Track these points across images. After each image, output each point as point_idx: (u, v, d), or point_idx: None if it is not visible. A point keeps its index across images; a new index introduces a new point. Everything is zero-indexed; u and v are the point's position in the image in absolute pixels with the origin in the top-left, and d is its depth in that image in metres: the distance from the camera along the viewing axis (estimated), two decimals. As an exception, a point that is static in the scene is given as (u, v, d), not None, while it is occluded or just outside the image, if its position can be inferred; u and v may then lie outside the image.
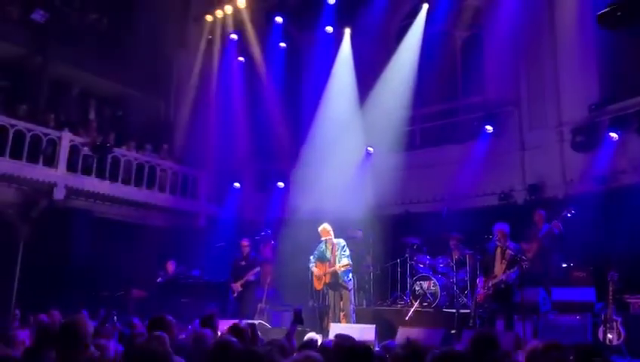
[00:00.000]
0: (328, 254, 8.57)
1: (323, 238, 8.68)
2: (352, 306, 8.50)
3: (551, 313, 7.74)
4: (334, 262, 8.46)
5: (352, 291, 8.69)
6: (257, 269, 9.83)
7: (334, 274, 8.43)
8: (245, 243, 10.08)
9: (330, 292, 8.60)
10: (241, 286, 9.71)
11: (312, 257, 8.79)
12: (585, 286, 8.01)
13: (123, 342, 5.24)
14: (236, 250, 10.22)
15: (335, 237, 8.77)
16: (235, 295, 9.79)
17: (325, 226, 8.71)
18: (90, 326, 3.73)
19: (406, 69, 12.28)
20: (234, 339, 3.68)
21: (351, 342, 3.85)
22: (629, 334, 6.88)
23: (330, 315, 8.51)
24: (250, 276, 9.73)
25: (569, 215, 8.48)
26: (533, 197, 10.70)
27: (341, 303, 8.47)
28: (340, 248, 8.57)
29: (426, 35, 12.28)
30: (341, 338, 4.38)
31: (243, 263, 9.92)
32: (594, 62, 10.53)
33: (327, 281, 8.52)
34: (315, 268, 8.66)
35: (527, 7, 10.92)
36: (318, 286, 8.71)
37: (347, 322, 8.19)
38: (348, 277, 8.54)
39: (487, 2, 12.02)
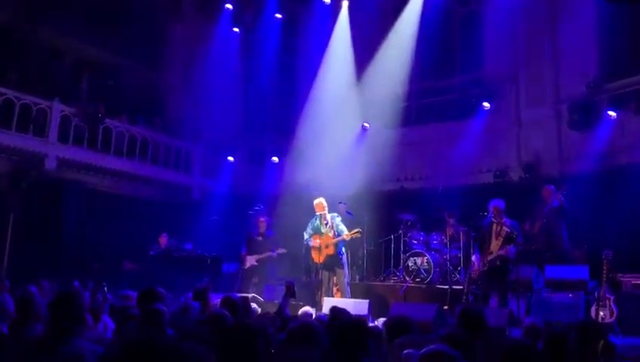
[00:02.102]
0: (323, 228, 8.50)
1: (317, 213, 8.61)
2: (346, 280, 8.48)
3: (544, 290, 7.75)
4: (335, 233, 8.38)
5: (346, 265, 8.65)
6: (284, 250, 9.75)
7: (334, 246, 8.34)
8: (262, 219, 10.00)
9: (330, 262, 8.49)
10: (257, 261, 9.69)
11: (305, 233, 8.71)
12: (579, 265, 8.03)
13: (114, 315, 5.17)
14: (236, 224, 10.13)
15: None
16: (246, 267, 9.75)
17: (321, 200, 8.63)
18: (86, 298, 3.66)
19: (404, 44, 12.10)
20: (226, 312, 3.63)
21: (347, 315, 3.81)
22: (621, 312, 6.90)
23: (324, 288, 8.47)
24: (274, 253, 9.68)
25: (564, 192, 8.45)
26: (528, 175, 10.66)
27: (334, 278, 8.43)
28: (335, 220, 8.51)
29: (425, 9, 12.06)
30: (336, 311, 4.34)
31: (260, 239, 9.89)
32: (593, 39, 10.42)
33: (330, 253, 8.42)
34: (313, 241, 8.58)
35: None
36: (317, 258, 8.62)
37: (342, 296, 8.16)
38: (341, 250, 8.49)
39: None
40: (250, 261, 9.76)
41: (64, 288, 7.20)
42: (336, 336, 3.06)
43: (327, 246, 8.44)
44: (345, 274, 8.47)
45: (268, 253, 9.69)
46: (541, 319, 6.47)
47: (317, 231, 8.57)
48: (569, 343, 3.45)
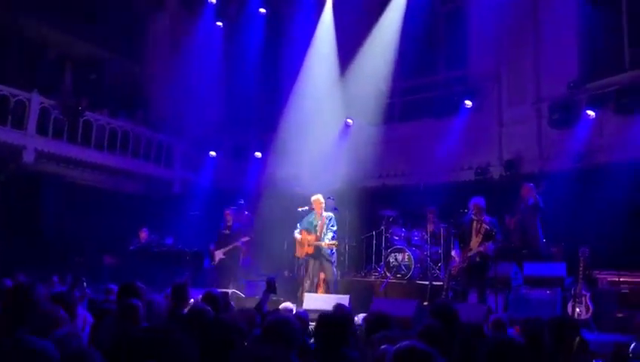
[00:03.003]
0: (316, 226, 8.50)
1: (314, 209, 8.58)
2: (334, 278, 8.49)
3: (522, 287, 7.85)
4: (320, 236, 8.38)
5: (334, 264, 8.65)
6: (247, 238, 9.76)
7: (318, 247, 8.37)
8: (228, 212, 10.01)
9: (311, 260, 8.49)
10: (224, 254, 9.68)
11: (298, 225, 8.71)
12: (556, 262, 8.14)
13: (93, 310, 5.13)
14: (218, 220, 10.16)
15: (307, 206, 8.71)
16: (216, 262, 9.76)
17: (319, 197, 8.60)
18: (41, 290, 3.59)
19: (388, 40, 12.10)
20: (207, 307, 3.61)
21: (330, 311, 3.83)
22: (597, 308, 7.03)
23: (307, 284, 8.47)
24: (238, 242, 9.67)
25: (539, 189, 8.58)
26: (509, 172, 10.76)
27: (321, 274, 8.44)
28: (327, 222, 8.48)
29: (409, 6, 12.08)
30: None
31: (227, 232, 9.89)
32: (574, 39, 10.53)
33: (309, 252, 8.44)
34: (299, 235, 8.56)
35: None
36: (299, 253, 8.61)
37: (329, 293, 8.15)
38: (332, 250, 8.50)
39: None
40: (218, 255, 9.77)
41: (42, 282, 7.11)
42: (322, 332, 3.07)
43: (309, 245, 8.45)
44: (333, 273, 8.48)
45: (233, 244, 9.68)
46: (519, 315, 6.59)
47: (309, 227, 8.55)
48: (545, 339, 3.49)
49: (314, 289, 8.36)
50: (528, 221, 8.46)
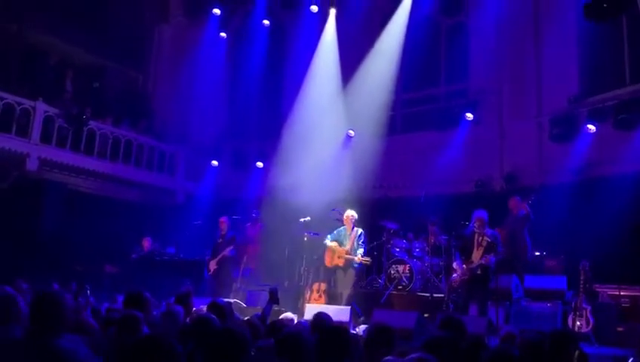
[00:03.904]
0: (346, 241, 8.57)
1: (345, 224, 8.67)
2: (353, 291, 8.55)
3: (523, 300, 7.88)
4: (351, 251, 8.47)
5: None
6: (231, 247, 9.77)
7: (348, 260, 8.45)
8: (223, 220, 9.99)
9: (339, 272, 8.57)
10: (217, 263, 9.66)
11: (329, 236, 8.79)
12: (557, 275, 8.18)
13: (96, 318, 5.16)
14: (215, 228, 10.16)
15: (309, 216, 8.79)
16: (211, 272, 9.75)
17: (352, 213, 8.71)
18: (70, 301, 3.62)
19: (390, 53, 12.21)
20: (213, 316, 3.65)
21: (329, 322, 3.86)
22: (598, 322, 7.06)
23: (308, 296, 8.52)
24: (226, 252, 9.69)
25: (530, 201, 8.63)
26: (509, 185, 10.81)
27: (322, 285, 8.55)
28: (357, 237, 8.58)
29: (412, 20, 12.21)
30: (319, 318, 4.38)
31: (220, 241, 9.87)
32: (575, 54, 10.64)
33: (339, 264, 8.52)
34: (332, 243, 8.61)
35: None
36: (328, 262, 8.68)
37: (345, 304, 8.19)
38: (360, 264, 8.61)
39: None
40: (212, 265, 9.73)
41: (43, 289, 7.13)
42: (322, 343, 3.10)
43: (339, 257, 8.53)
44: (354, 279, 8.53)
45: (222, 254, 9.67)
46: (519, 328, 6.61)
47: (338, 240, 8.65)
48: (544, 351, 3.53)
49: (337, 300, 8.41)
50: (518, 233, 8.54)
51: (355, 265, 8.50)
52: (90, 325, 3.89)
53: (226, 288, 9.60)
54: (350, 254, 8.45)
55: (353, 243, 8.52)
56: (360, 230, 8.72)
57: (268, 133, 13.46)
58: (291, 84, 13.21)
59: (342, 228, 8.76)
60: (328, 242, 8.69)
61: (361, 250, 8.49)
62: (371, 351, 3.35)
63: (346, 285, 8.48)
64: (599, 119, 9.76)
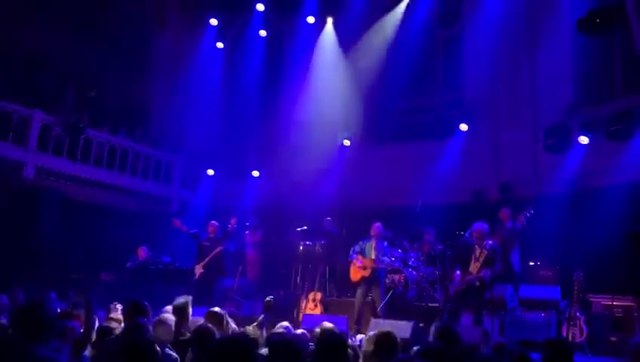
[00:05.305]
0: (372, 254, 8.61)
1: (372, 235, 8.69)
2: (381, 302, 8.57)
3: (518, 309, 7.92)
4: (376, 261, 8.52)
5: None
6: (219, 249, 9.46)
7: (372, 270, 8.51)
8: (213, 222, 9.74)
9: (365, 284, 8.62)
10: (203, 267, 9.31)
11: (352, 249, 8.83)
12: (551, 285, 8.24)
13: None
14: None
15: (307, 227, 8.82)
16: (196, 278, 9.36)
17: (380, 225, 8.76)
18: (55, 307, 3.65)
19: (386, 63, 12.30)
20: (212, 327, 3.67)
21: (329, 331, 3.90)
22: (591, 332, 7.11)
23: (303, 307, 8.54)
24: (215, 252, 9.40)
25: (528, 214, 8.68)
26: (504, 195, 10.88)
27: (317, 294, 8.58)
28: (383, 247, 8.67)
29: (407, 30, 12.32)
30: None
31: (207, 244, 9.52)
32: (569, 66, 10.75)
33: (366, 275, 8.56)
34: (359, 256, 8.65)
35: (507, 9, 11.05)
36: (354, 276, 8.70)
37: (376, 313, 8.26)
38: (383, 275, 8.68)
39: (469, 1, 12.13)
40: (198, 270, 9.35)
41: (39, 297, 7.13)
42: (323, 353, 3.14)
43: (364, 268, 8.56)
44: (381, 293, 8.57)
45: (208, 259, 9.31)
46: (515, 337, 6.66)
47: (363, 253, 8.67)
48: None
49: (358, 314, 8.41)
50: (508, 243, 8.60)
51: (380, 274, 8.54)
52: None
53: (215, 295, 9.38)
54: (375, 264, 8.49)
55: (379, 253, 8.56)
56: (386, 242, 8.81)
57: (264, 142, 13.51)
58: (287, 94, 13.28)
59: (368, 239, 8.75)
60: (355, 256, 8.68)
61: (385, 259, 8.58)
62: (375, 360, 3.40)
63: (378, 295, 8.51)
64: (592, 131, 9.85)
